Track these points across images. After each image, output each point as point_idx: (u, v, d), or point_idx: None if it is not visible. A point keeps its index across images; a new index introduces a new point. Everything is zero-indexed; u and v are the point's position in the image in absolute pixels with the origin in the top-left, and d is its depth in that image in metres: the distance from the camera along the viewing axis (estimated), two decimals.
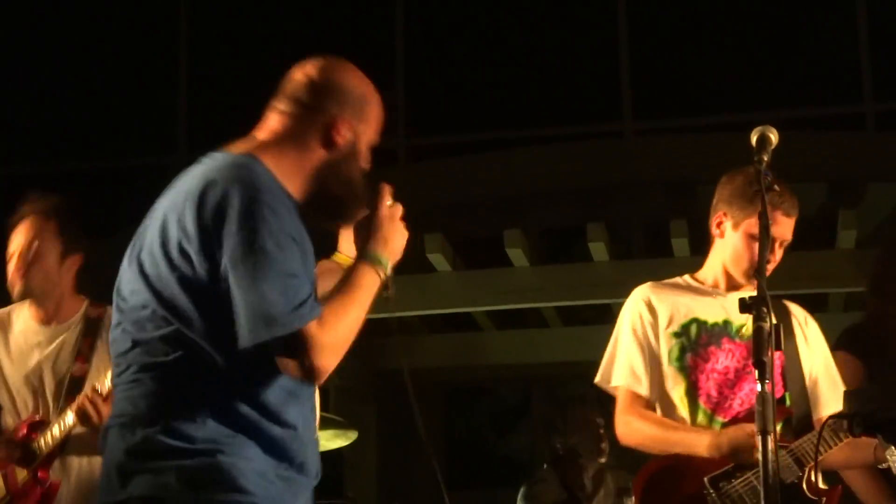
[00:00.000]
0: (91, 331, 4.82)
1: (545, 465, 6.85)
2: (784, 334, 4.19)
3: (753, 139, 3.56)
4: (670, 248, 7.60)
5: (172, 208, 3.10)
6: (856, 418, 3.73)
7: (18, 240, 4.79)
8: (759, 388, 3.00)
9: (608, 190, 8.34)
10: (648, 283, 4.39)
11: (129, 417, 3.04)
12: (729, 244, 4.28)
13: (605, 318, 8.68)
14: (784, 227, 4.16)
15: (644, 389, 4.23)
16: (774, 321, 3.09)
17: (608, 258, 7.70)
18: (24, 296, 4.82)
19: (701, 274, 4.38)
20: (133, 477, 2.98)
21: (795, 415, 4.13)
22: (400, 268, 8.18)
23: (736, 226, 4.25)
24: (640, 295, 4.35)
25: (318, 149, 3.30)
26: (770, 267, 4.09)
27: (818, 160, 7.50)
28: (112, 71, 10.87)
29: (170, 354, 3.02)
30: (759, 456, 2.97)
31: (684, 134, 9.35)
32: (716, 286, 4.31)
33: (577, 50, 10.40)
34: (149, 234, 3.14)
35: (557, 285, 7.82)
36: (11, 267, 4.79)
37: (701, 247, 7.37)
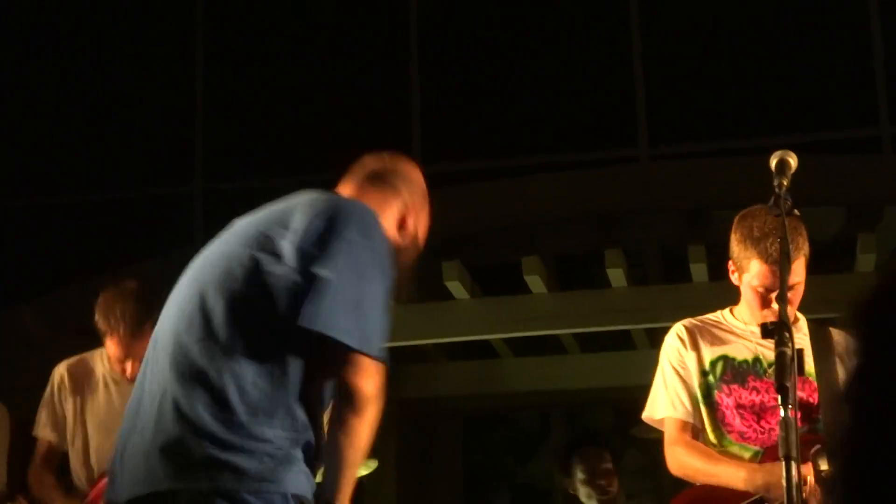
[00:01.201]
0: None
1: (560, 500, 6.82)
2: (822, 359, 4.19)
3: (773, 164, 3.57)
4: (688, 274, 7.58)
5: (271, 219, 3.38)
6: None
7: (123, 351, 4.94)
8: (782, 413, 3.00)
9: (625, 215, 8.33)
10: (685, 321, 4.44)
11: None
12: (744, 296, 4.31)
13: (624, 344, 8.67)
14: (793, 274, 4.13)
15: (688, 416, 4.26)
16: (797, 346, 3.09)
17: (626, 284, 7.69)
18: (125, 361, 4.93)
19: (737, 310, 4.40)
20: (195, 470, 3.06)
21: (829, 441, 4.12)
22: (418, 296, 8.24)
23: (740, 278, 4.27)
24: (676, 331, 4.41)
25: (392, 226, 3.49)
26: (791, 309, 4.09)
27: (835, 184, 7.49)
28: (127, 100, 10.89)
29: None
30: (784, 482, 2.97)
31: (700, 159, 9.34)
32: (749, 323, 4.32)
33: (593, 76, 10.41)
34: (231, 244, 3.36)
35: (575, 312, 7.81)
36: (128, 371, 4.93)
37: (719, 272, 7.38)
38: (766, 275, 3.59)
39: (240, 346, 3.11)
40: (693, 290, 7.49)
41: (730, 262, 4.34)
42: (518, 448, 10.94)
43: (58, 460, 5.14)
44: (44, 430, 5.15)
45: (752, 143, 8.84)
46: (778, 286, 4.14)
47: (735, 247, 4.31)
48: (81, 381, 5.14)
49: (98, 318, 5.05)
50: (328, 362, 3.14)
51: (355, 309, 3.10)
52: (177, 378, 3.15)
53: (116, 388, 5.06)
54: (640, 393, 7.17)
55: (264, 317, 3.14)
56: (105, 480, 4.76)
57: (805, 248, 4.17)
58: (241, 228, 3.42)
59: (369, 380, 3.11)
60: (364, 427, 3.12)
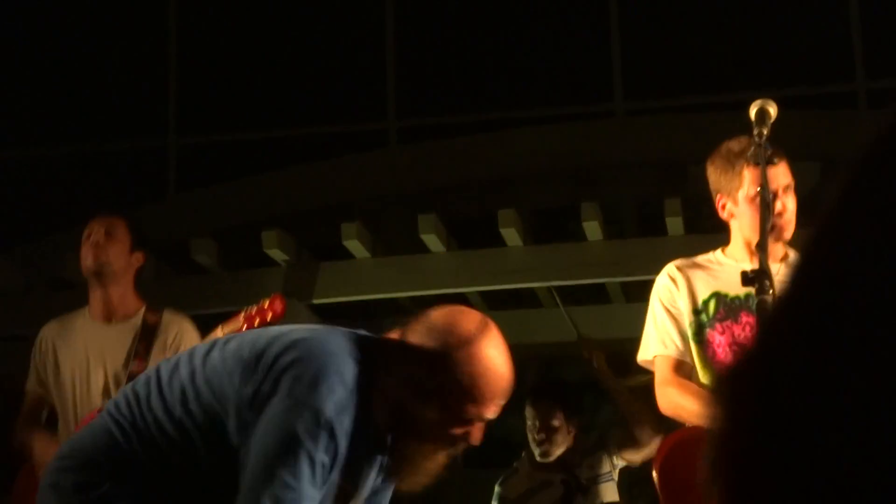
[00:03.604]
0: (147, 334, 5.18)
1: (522, 454, 6.83)
2: None
3: (752, 113, 3.56)
4: (664, 227, 7.58)
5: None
6: None
7: (90, 228, 5.25)
8: None
9: (601, 170, 8.32)
10: (676, 261, 4.45)
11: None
12: (740, 219, 4.29)
13: (600, 297, 8.68)
14: (775, 177, 4.15)
15: (679, 354, 4.27)
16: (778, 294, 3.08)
17: (602, 237, 7.69)
18: (97, 269, 5.22)
19: (729, 249, 4.40)
20: None
21: None
22: (393, 248, 8.20)
23: (735, 201, 4.26)
24: (668, 271, 4.43)
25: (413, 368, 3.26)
26: (788, 218, 4.14)
27: (810, 139, 7.49)
28: (101, 52, 10.82)
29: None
30: None
31: (676, 113, 9.33)
32: (741, 260, 4.32)
33: (568, 31, 10.38)
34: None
35: (551, 265, 7.80)
36: (87, 246, 5.24)
37: (695, 225, 7.40)
38: (756, 151, 3.55)
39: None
40: (669, 243, 7.48)
41: (717, 198, 4.33)
42: None
43: (42, 410, 5.38)
44: (30, 384, 5.40)
45: (728, 98, 8.84)
46: (777, 184, 4.15)
47: (719, 176, 4.30)
48: (62, 335, 5.32)
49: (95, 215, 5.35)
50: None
51: (271, 478, 2.98)
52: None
53: (94, 331, 5.26)
54: (616, 346, 7.21)
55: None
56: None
57: (784, 157, 4.19)
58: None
59: None
60: None
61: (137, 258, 5.32)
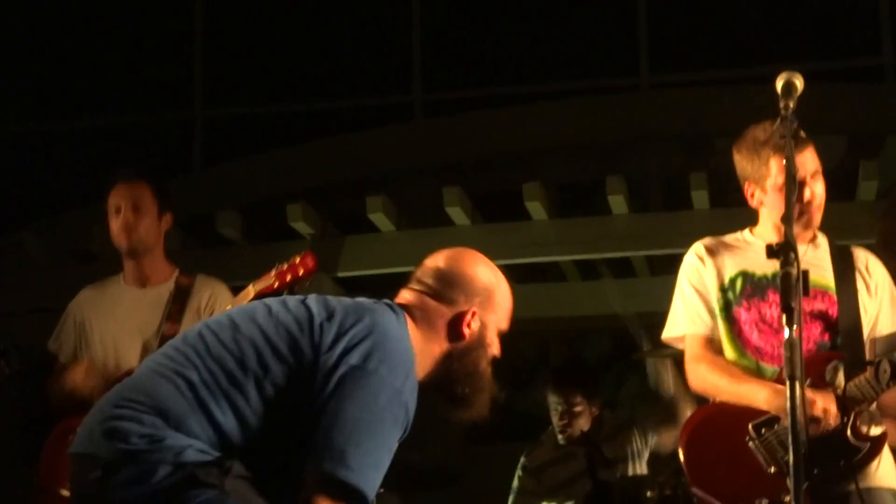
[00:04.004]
0: (180, 297, 5.22)
1: (549, 427, 6.85)
2: (842, 276, 4.21)
3: (779, 85, 3.56)
4: (689, 201, 7.57)
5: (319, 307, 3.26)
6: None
7: (118, 202, 5.25)
8: (787, 333, 3.00)
9: (626, 143, 8.31)
10: (703, 240, 4.46)
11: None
12: (769, 208, 4.30)
13: (625, 271, 8.67)
14: (803, 163, 4.16)
15: (709, 330, 4.28)
16: (802, 267, 3.09)
17: (627, 211, 7.68)
18: (131, 248, 5.27)
19: (758, 230, 4.40)
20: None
21: (849, 357, 4.12)
22: (418, 221, 8.21)
23: (763, 189, 4.26)
24: (695, 250, 4.43)
25: (445, 338, 3.41)
26: (817, 204, 4.15)
27: (837, 113, 7.47)
28: (127, 25, 10.83)
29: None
30: (788, 404, 2.98)
31: (702, 87, 9.31)
32: (769, 240, 4.31)
33: (594, 4, 10.35)
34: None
35: (576, 239, 7.79)
36: (118, 225, 5.25)
37: (720, 199, 7.39)
38: (784, 127, 3.55)
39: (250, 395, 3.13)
40: (694, 216, 7.48)
41: (746, 186, 4.33)
42: (518, 375, 10.97)
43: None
44: (53, 345, 5.45)
45: (754, 72, 8.81)
46: (805, 171, 4.15)
47: (746, 164, 4.30)
48: (96, 302, 5.37)
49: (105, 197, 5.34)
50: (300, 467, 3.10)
51: (345, 432, 3.05)
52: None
53: (128, 296, 5.30)
54: (640, 319, 7.20)
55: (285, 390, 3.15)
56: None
57: (811, 142, 4.19)
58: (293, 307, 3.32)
59: None
60: None
61: (167, 221, 5.35)
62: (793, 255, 3.07)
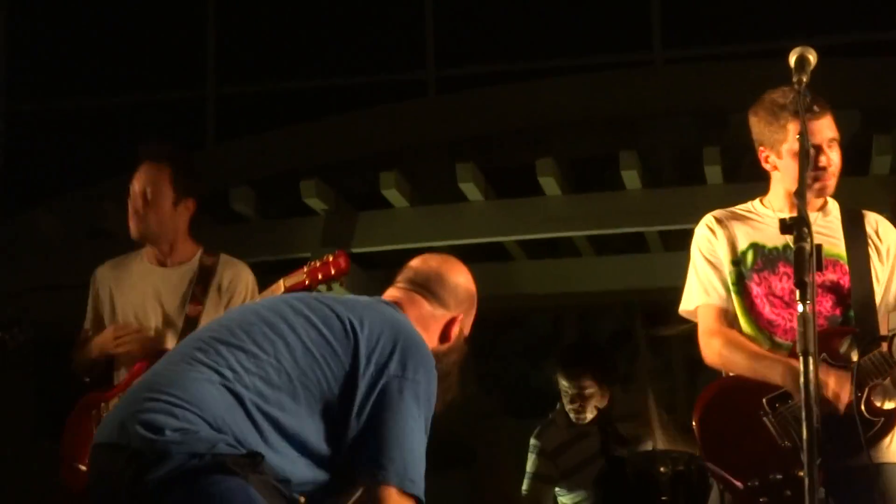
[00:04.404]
0: (204, 277, 5.20)
1: (558, 405, 6.82)
2: (854, 242, 4.20)
3: (792, 60, 3.56)
4: (703, 176, 7.56)
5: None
6: None
7: (134, 186, 5.19)
8: (800, 308, 3.01)
9: (639, 118, 8.30)
10: (714, 212, 4.44)
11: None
12: (783, 173, 4.28)
13: (638, 246, 8.67)
14: (821, 130, 4.14)
15: (723, 302, 4.27)
16: (822, 237, 3.09)
17: (640, 186, 7.67)
18: (139, 237, 5.24)
19: (768, 199, 4.38)
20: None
21: (862, 332, 4.11)
22: (431, 197, 8.20)
23: (779, 154, 4.25)
24: (706, 222, 4.43)
25: (436, 340, 3.55)
26: (832, 171, 4.14)
27: (851, 87, 7.44)
28: (140, 3, 10.84)
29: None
30: (802, 379, 2.98)
31: (715, 62, 9.29)
32: (780, 210, 4.31)
33: None
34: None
35: (590, 214, 7.79)
36: (129, 210, 5.22)
37: (734, 174, 7.37)
38: (797, 99, 3.56)
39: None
40: (708, 191, 7.47)
41: (760, 150, 4.32)
42: (531, 351, 10.97)
43: None
44: (89, 324, 5.40)
45: (767, 47, 8.78)
46: (822, 137, 4.14)
47: (762, 128, 4.28)
48: (118, 277, 5.35)
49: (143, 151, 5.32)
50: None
51: (401, 445, 3.18)
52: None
53: (151, 274, 5.28)
54: (654, 295, 7.20)
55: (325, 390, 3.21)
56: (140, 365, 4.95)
57: (829, 109, 4.18)
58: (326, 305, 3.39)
59: None
60: None
61: (187, 206, 5.28)
62: (806, 231, 3.07)
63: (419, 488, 3.19)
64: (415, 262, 3.69)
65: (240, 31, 10.75)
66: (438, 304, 3.57)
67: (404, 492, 3.15)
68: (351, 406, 3.18)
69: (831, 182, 4.24)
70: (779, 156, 4.26)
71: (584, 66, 9.46)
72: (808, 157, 3.36)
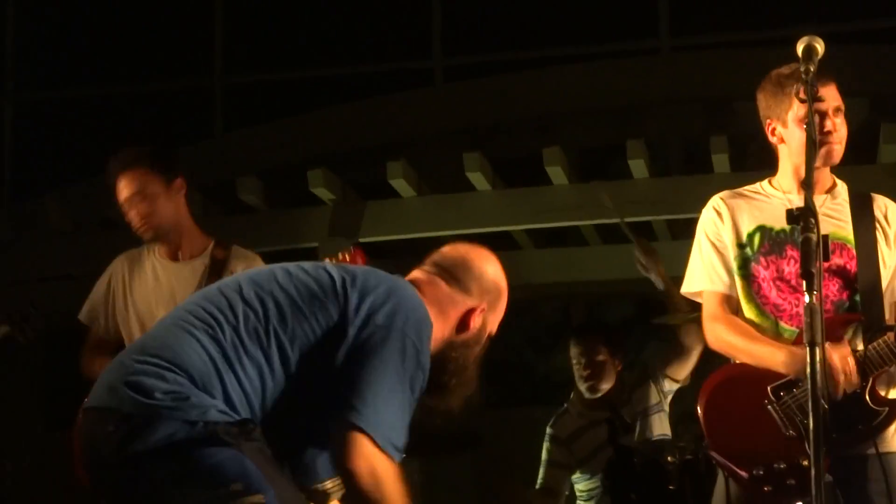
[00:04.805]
0: (216, 270, 5.20)
1: (572, 395, 6.84)
2: (861, 224, 4.20)
3: (799, 49, 3.56)
4: (710, 165, 7.56)
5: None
6: None
7: (124, 195, 5.18)
8: (807, 298, 3.01)
9: (646, 107, 8.30)
10: (721, 193, 4.42)
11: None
12: (790, 143, 4.26)
13: (646, 235, 8.67)
14: (825, 97, 4.11)
15: (727, 288, 4.26)
16: (823, 232, 3.09)
17: (647, 175, 7.67)
18: (154, 237, 5.26)
19: (775, 180, 4.37)
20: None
21: (868, 319, 4.11)
22: (439, 187, 8.21)
23: (784, 123, 4.23)
24: (713, 203, 4.40)
25: (453, 326, 3.47)
26: (838, 138, 4.13)
27: (859, 75, 7.42)
28: None
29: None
30: (808, 369, 2.98)
31: (722, 50, 9.28)
32: (788, 191, 4.30)
33: None
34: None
35: (597, 203, 7.79)
36: (135, 219, 5.21)
37: (741, 162, 7.37)
38: (805, 88, 3.56)
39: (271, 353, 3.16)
40: (715, 180, 7.45)
41: (767, 124, 4.30)
42: (538, 340, 10.97)
43: (106, 345, 5.37)
44: (85, 316, 5.44)
45: (775, 34, 8.76)
46: (827, 105, 4.13)
47: (769, 101, 4.27)
48: (132, 271, 5.35)
49: (108, 181, 5.26)
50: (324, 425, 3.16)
51: (376, 390, 3.11)
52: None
53: (164, 270, 5.30)
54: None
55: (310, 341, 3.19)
56: None
57: (833, 80, 4.16)
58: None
59: (361, 461, 3.07)
60: None
61: (179, 188, 5.28)
62: (813, 221, 3.07)
63: (392, 445, 3.11)
64: (445, 248, 3.63)
65: (247, 21, 10.75)
66: (459, 289, 3.50)
67: (376, 443, 3.07)
68: (333, 355, 3.15)
69: (837, 148, 4.19)
70: (784, 125, 4.25)
71: (590, 55, 9.46)
72: (814, 145, 3.36)
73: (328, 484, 3.42)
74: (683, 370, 6.49)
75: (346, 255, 4.94)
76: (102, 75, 10.68)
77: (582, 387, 6.67)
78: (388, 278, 3.34)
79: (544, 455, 6.79)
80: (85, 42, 10.76)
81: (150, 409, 2.98)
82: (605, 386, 6.61)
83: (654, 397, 6.55)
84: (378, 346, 3.13)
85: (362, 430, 3.05)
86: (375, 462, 3.06)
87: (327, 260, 4.93)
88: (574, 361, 6.71)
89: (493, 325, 3.60)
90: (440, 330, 3.42)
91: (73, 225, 8.56)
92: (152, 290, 5.27)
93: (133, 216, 5.21)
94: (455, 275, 3.51)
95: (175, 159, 5.41)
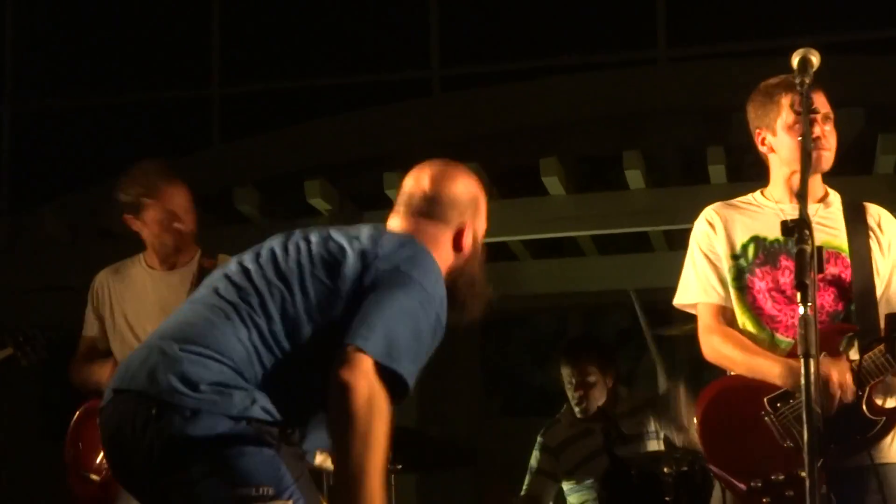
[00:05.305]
0: (203, 279, 5.17)
1: (564, 406, 6.85)
2: (855, 233, 4.20)
3: (795, 62, 3.56)
4: (707, 175, 7.56)
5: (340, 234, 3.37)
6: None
7: (182, 203, 5.29)
8: (801, 310, 3.00)
9: (643, 117, 8.30)
10: (714, 205, 4.43)
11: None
12: (779, 152, 4.26)
13: (643, 246, 8.67)
14: (814, 106, 4.10)
15: (722, 300, 4.26)
16: (816, 243, 3.08)
17: (645, 185, 7.67)
18: (175, 249, 5.32)
19: (767, 190, 4.38)
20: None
21: (862, 329, 4.11)
22: None
23: (773, 131, 4.24)
24: (706, 215, 4.40)
25: (450, 254, 3.52)
26: (826, 145, 4.12)
27: (855, 85, 7.44)
28: (145, 3, 10.85)
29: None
30: (803, 381, 2.98)
31: (719, 60, 9.29)
32: (780, 201, 4.30)
33: None
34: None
35: (594, 214, 7.79)
36: (177, 229, 5.28)
37: (738, 173, 7.37)
38: (800, 100, 3.56)
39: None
40: (712, 191, 7.44)
41: (757, 134, 4.31)
42: (535, 350, 10.98)
43: (97, 354, 5.40)
44: (86, 329, 5.45)
45: (772, 45, 8.78)
46: (818, 107, 4.12)
47: (757, 111, 4.29)
48: (119, 282, 5.39)
49: (133, 190, 5.31)
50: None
51: (386, 318, 3.10)
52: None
53: (151, 281, 5.33)
54: (658, 294, 7.20)
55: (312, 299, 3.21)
56: None
57: (821, 88, 4.15)
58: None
59: (360, 377, 2.98)
60: (356, 439, 2.95)
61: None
62: (807, 233, 3.07)
63: (404, 367, 3.06)
64: (407, 183, 3.65)
65: (244, 31, 10.76)
66: (441, 220, 3.53)
67: (382, 365, 3.01)
68: (351, 307, 3.16)
69: (826, 154, 4.18)
70: (773, 133, 4.25)
71: (588, 65, 9.48)
72: (809, 158, 3.36)
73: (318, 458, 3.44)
74: (679, 440, 6.48)
75: None
76: (100, 85, 10.69)
77: (574, 408, 6.68)
78: (390, 232, 3.42)
79: (532, 462, 6.81)
80: (83, 52, 10.77)
81: (193, 402, 2.99)
82: (597, 404, 6.62)
83: (651, 426, 6.56)
84: (387, 287, 3.16)
85: (367, 352, 3.01)
86: (376, 388, 2.99)
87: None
88: (565, 381, 6.72)
89: (479, 231, 3.65)
90: (443, 263, 3.44)
91: (71, 235, 8.56)
92: (140, 299, 5.30)
93: (178, 227, 5.27)
94: (431, 212, 3.54)
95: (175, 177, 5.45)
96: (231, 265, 3.42)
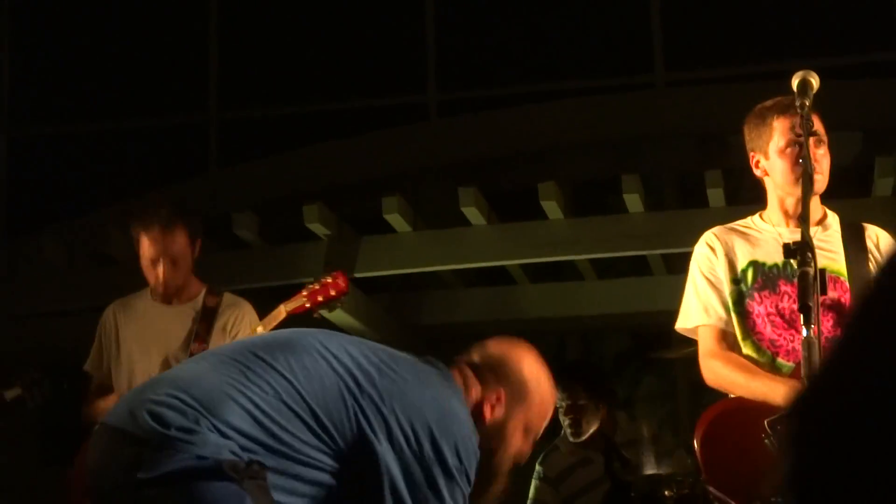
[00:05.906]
0: (207, 316, 5.23)
1: (562, 432, 6.83)
2: (854, 256, 4.19)
3: (794, 84, 3.57)
4: (705, 199, 7.57)
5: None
6: None
7: (153, 252, 5.23)
8: (804, 333, 3.00)
9: (641, 141, 8.30)
10: (714, 229, 4.43)
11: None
12: (773, 175, 4.27)
13: (641, 270, 8.67)
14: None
15: (723, 323, 4.25)
16: (820, 266, 3.09)
17: (643, 209, 7.67)
18: (167, 295, 5.32)
19: (766, 214, 4.38)
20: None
21: None
22: (434, 222, 8.19)
23: (766, 154, 4.25)
24: (706, 239, 4.41)
25: (516, 437, 3.40)
26: (818, 167, 4.10)
27: (853, 109, 7.45)
28: (141, 28, 10.86)
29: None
30: None
31: (717, 84, 9.30)
32: (778, 225, 4.30)
33: (609, 1, 10.35)
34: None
35: (592, 237, 7.79)
36: (156, 276, 5.25)
37: (736, 197, 7.37)
38: (794, 124, 3.54)
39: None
40: (710, 215, 7.44)
41: (751, 157, 4.32)
42: None
43: (106, 390, 5.41)
44: (89, 366, 5.47)
45: (769, 68, 8.79)
46: (814, 130, 4.11)
47: (753, 134, 4.29)
48: (125, 315, 5.40)
49: (133, 225, 5.30)
50: None
51: None
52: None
53: (156, 313, 5.34)
54: (656, 318, 7.20)
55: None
56: None
57: (816, 112, 4.14)
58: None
59: None
60: None
61: (197, 249, 5.37)
62: (809, 255, 3.07)
63: None
64: (488, 347, 3.56)
65: (242, 56, 10.77)
66: (478, 376, 3.42)
67: None
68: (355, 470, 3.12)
69: (819, 178, 4.16)
70: (766, 156, 4.26)
71: (585, 89, 9.48)
72: (811, 180, 3.37)
73: None
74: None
75: (328, 280, 4.97)
76: (97, 111, 10.69)
77: (567, 431, 6.67)
78: (417, 380, 3.25)
79: (531, 493, 6.78)
80: (80, 78, 10.77)
81: (165, 440, 2.98)
82: (590, 428, 6.60)
83: (647, 455, 6.54)
84: (416, 484, 3.10)
85: None
86: None
87: (315, 286, 4.97)
88: (557, 404, 6.71)
89: (530, 422, 3.48)
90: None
91: (68, 260, 8.55)
92: (143, 333, 5.32)
93: (157, 274, 5.25)
94: (476, 363, 3.46)
95: (200, 222, 5.48)
96: (255, 342, 3.39)
